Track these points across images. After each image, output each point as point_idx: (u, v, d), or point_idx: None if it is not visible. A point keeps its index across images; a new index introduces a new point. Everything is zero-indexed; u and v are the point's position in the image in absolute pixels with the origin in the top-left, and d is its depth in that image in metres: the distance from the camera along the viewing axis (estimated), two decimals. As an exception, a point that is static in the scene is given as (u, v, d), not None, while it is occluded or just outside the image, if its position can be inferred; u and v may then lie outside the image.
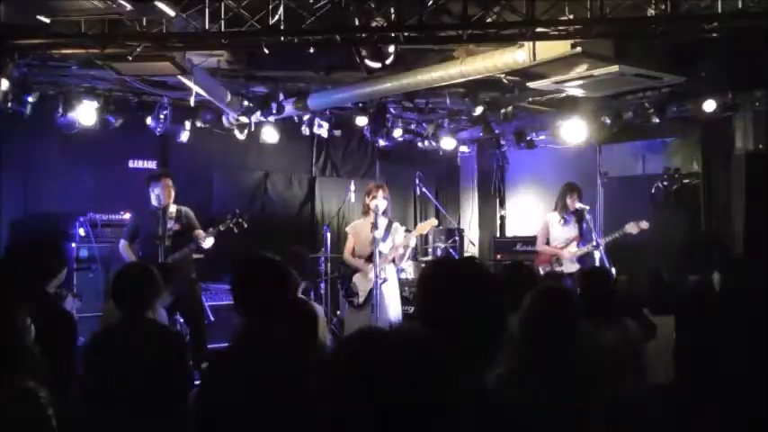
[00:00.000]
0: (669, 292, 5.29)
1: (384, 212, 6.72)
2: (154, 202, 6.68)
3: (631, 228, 7.35)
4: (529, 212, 10.22)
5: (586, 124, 8.51)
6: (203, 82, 6.74)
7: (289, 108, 7.76)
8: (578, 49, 5.40)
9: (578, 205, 7.52)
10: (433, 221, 7.55)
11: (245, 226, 6.78)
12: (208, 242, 6.64)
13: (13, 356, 2.43)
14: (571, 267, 7.48)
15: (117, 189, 7.91)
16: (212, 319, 7.27)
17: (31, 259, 3.87)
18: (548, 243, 7.75)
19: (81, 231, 7.41)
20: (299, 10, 5.05)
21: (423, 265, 8.01)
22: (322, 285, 8.32)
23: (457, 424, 1.09)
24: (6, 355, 2.41)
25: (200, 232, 6.70)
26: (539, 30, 5.10)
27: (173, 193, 6.69)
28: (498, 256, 9.45)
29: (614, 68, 5.78)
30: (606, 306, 3.96)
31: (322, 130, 8.62)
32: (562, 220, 7.64)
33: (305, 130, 8.61)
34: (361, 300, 6.82)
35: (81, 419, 2.55)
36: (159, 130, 7.80)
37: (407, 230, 7.23)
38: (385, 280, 6.64)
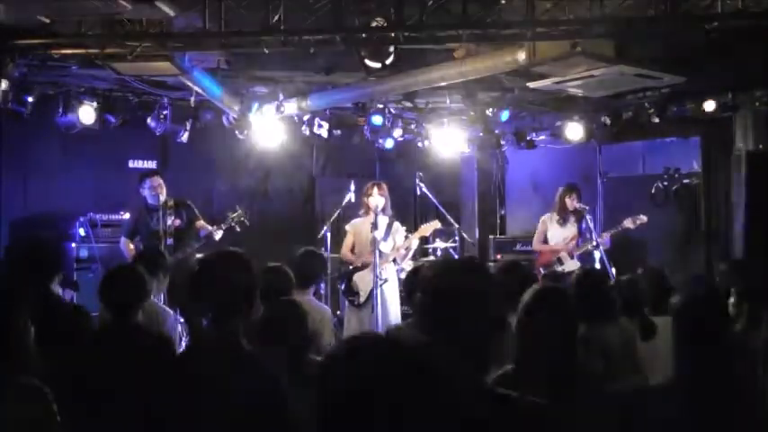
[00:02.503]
0: (669, 292, 5.28)
1: (384, 210, 6.69)
2: (150, 200, 6.72)
3: (629, 223, 7.36)
4: (529, 212, 10.21)
5: (586, 124, 8.51)
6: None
7: (289, 108, 7.76)
8: (578, 49, 5.41)
9: (578, 205, 7.52)
10: (436, 224, 7.41)
11: (247, 223, 6.80)
12: (218, 234, 6.72)
13: (15, 356, 2.43)
14: (572, 266, 7.47)
15: (117, 189, 7.92)
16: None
17: (32, 259, 3.87)
18: (545, 243, 7.76)
19: (81, 231, 7.42)
20: (299, 10, 5.05)
21: (422, 265, 8.00)
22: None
23: (456, 425, 1.09)
24: (9, 355, 2.41)
25: (206, 225, 6.74)
26: (539, 30, 5.11)
27: (164, 189, 6.73)
28: (498, 256, 9.44)
29: (614, 68, 5.79)
30: (605, 306, 3.96)
31: (322, 130, 8.61)
32: (561, 220, 7.64)
33: (305, 130, 8.61)
34: (362, 299, 6.78)
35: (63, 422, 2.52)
36: (159, 130, 7.79)
37: (408, 233, 7.17)
38: (386, 280, 6.62)
